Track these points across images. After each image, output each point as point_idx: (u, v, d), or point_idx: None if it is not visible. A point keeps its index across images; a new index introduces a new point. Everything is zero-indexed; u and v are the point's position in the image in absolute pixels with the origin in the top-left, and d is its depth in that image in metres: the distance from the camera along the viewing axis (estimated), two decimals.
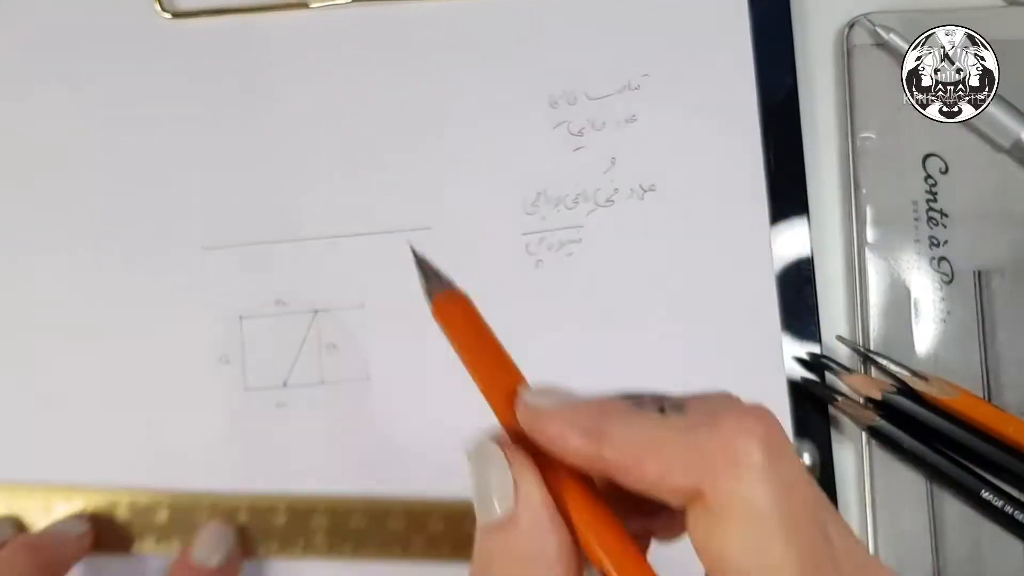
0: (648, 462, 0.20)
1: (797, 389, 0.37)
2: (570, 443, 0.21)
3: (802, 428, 0.37)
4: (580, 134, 0.38)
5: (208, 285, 0.37)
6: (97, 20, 0.38)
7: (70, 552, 0.35)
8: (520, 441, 0.22)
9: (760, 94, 0.38)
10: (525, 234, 0.38)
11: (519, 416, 0.22)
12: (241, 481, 0.37)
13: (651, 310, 0.38)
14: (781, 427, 0.21)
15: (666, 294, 0.38)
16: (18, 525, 0.36)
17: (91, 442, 0.37)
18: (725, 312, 0.38)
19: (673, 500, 0.21)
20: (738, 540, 0.20)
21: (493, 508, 0.21)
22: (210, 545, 0.34)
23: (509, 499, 0.21)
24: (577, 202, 0.38)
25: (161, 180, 0.38)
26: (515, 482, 0.21)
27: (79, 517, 0.36)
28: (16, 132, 0.38)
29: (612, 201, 0.38)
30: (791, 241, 0.38)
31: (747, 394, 0.37)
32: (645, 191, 0.38)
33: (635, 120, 0.38)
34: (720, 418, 0.21)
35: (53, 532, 0.35)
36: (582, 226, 0.38)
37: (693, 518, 0.20)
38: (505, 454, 0.22)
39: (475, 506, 0.22)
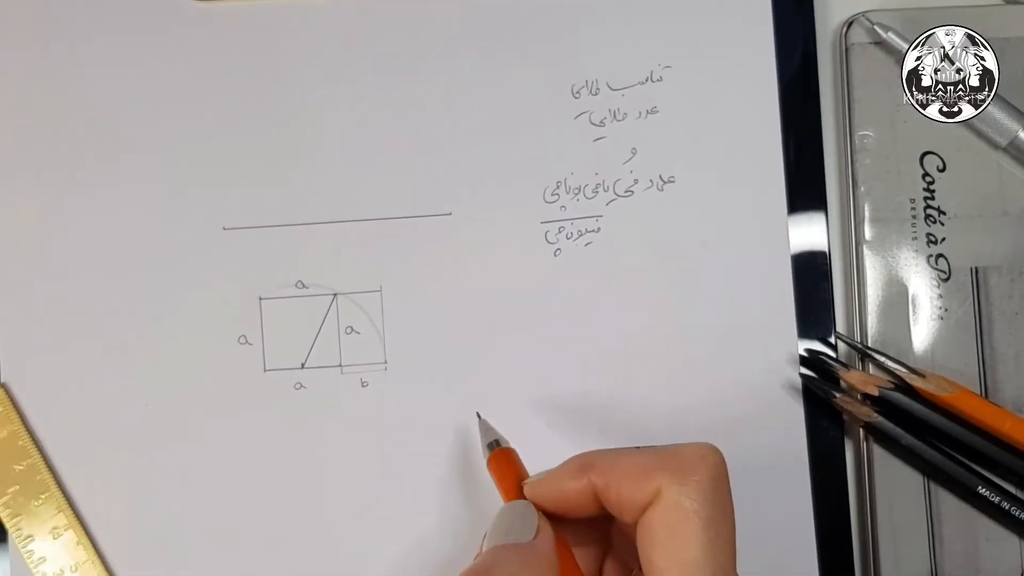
0: (623, 475, 0.27)
1: (807, 392, 0.37)
2: (567, 484, 0.29)
3: (813, 423, 0.37)
4: (601, 124, 0.38)
5: (228, 265, 0.38)
6: (125, 4, 0.38)
7: None
8: None
9: (780, 88, 0.38)
10: (544, 223, 0.38)
11: (526, 492, 0.30)
12: (257, 463, 0.37)
13: (667, 302, 0.38)
14: (725, 466, 0.28)
15: (683, 286, 0.38)
16: None
17: (105, 422, 0.37)
18: (741, 306, 0.38)
19: (632, 511, 0.27)
20: (668, 537, 0.26)
21: (517, 533, 0.28)
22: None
23: (532, 531, 0.28)
24: (596, 192, 0.38)
25: (183, 160, 0.38)
26: (539, 527, 0.28)
27: None
28: (42, 114, 0.38)
29: (631, 192, 0.38)
30: (808, 235, 0.38)
31: (760, 386, 0.38)
32: (664, 182, 0.38)
33: (656, 112, 0.38)
34: (681, 445, 0.28)
35: None
36: (601, 216, 0.38)
37: (643, 523, 0.27)
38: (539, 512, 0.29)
39: (492, 531, 0.28)
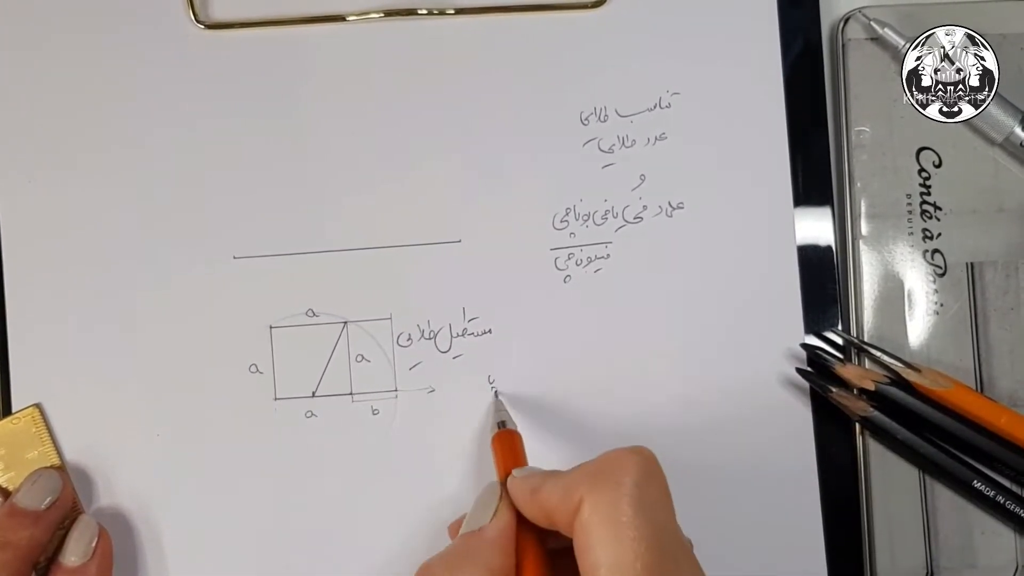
0: (554, 494, 0.28)
1: (815, 396, 0.38)
2: (520, 497, 0.30)
3: (821, 417, 0.38)
4: (610, 151, 0.38)
5: (238, 294, 0.38)
6: (130, 30, 0.38)
7: (54, 514, 0.35)
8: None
9: (788, 111, 0.38)
10: (554, 249, 0.38)
11: (508, 486, 0.31)
12: (268, 492, 0.37)
13: (677, 328, 0.38)
14: (657, 466, 0.28)
15: (692, 312, 0.38)
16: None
17: (116, 451, 0.37)
18: (750, 333, 0.38)
19: (566, 526, 0.27)
20: (588, 542, 0.26)
21: (477, 519, 0.30)
22: (36, 490, 0.35)
23: (487, 518, 0.30)
24: (606, 218, 0.38)
25: (193, 189, 0.38)
26: (497, 510, 0.30)
27: (53, 471, 0.36)
28: (48, 140, 0.38)
29: (641, 218, 0.38)
30: (817, 262, 0.38)
31: (768, 405, 0.38)
32: (674, 209, 0.38)
33: (665, 138, 0.38)
34: (604, 454, 0.28)
35: (33, 493, 0.35)
36: (611, 242, 0.38)
37: (574, 535, 0.27)
38: (501, 493, 0.30)
39: (466, 520, 0.30)
